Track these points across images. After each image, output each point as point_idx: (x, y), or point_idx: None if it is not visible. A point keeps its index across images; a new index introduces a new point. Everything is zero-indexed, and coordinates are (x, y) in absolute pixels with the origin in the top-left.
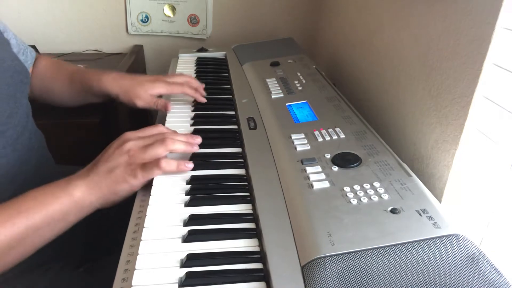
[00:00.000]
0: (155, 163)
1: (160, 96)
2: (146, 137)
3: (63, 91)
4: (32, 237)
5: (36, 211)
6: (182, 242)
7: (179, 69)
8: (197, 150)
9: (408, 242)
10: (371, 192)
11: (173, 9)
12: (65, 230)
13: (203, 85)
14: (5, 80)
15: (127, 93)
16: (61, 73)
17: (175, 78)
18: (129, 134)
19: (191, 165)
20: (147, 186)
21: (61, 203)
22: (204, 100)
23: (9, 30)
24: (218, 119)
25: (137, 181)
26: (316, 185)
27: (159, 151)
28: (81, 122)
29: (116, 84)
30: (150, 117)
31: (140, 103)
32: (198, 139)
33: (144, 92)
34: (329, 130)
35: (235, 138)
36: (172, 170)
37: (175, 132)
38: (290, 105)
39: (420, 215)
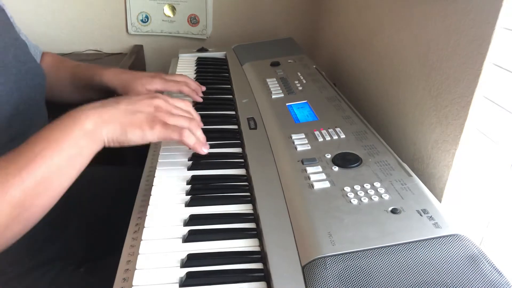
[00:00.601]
0: (178, 129)
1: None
2: (177, 107)
3: (65, 87)
4: (57, 177)
5: (52, 151)
6: (182, 242)
7: (179, 69)
8: (202, 153)
9: (409, 242)
10: (371, 192)
11: (173, 9)
12: (85, 166)
13: (204, 88)
14: (27, 82)
15: (125, 87)
16: (63, 69)
17: (174, 76)
18: (161, 95)
19: (206, 149)
20: (148, 186)
21: (73, 137)
22: (200, 100)
23: (21, 31)
24: (218, 119)
25: (152, 134)
26: (317, 185)
27: (184, 123)
28: None
29: (116, 78)
30: None
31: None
32: (207, 148)
33: (141, 86)
34: (330, 130)
35: (235, 138)
36: (190, 144)
37: (199, 123)
38: (290, 105)
39: (421, 215)
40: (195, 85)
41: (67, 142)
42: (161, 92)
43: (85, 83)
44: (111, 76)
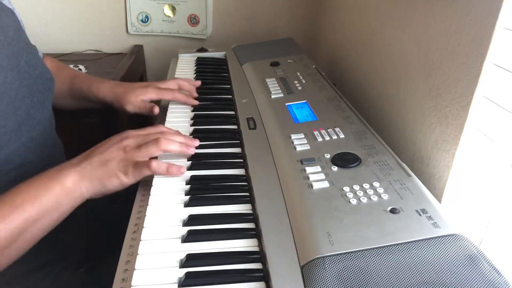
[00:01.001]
0: (146, 163)
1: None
2: (145, 136)
3: (62, 95)
4: (31, 229)
5: (30, 204)
6: (181, 242)
7: (179, 69)
8: (192, 152)
9: (408, 242)
10: (370, 192)
11: (173, 9)
12: (61, 220)
13: (198, 83)
14: (37, 87)
15: (119, 100)
16: (62, 78)
17: (167, 83)
18: (130, 132)
19: (183, 170)
20: (148, 186)
21: (53, 194)
22: (196, 103)
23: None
24: (218, 119)
25: (127, 179)
26: (316, 185)
27: (152, 150)
28: (81, 122)
29: (111, 91)
30: (150, 117)
31: (130, 108)
32: (196, 142)
33: (135, 97)
34: (329, 130)
35: (234, 138)
36: (162, 172)
37: (176, 132)
38: (289, 105)
39: (420, 215)
40: (189, 86)
41: (46, 198)
42: (156, 101)
43: (82, 95)
44: (107, 91)
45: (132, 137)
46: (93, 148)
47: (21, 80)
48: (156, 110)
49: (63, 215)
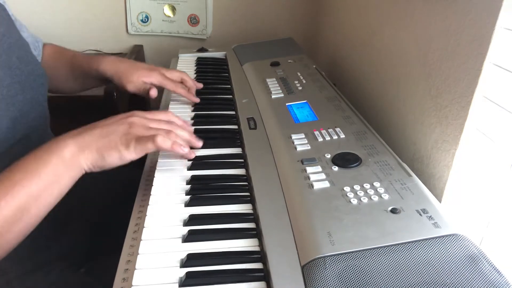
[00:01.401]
0: (151, 137)
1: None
2: (155, 120)
3: (64, 76)
4: (35, 205)
5: (30, 179)
6: (182, 242)
7: (179, 69)
8: (191, 157)
9: (408, 242)
10: (371, 192)
11: (173, 9)
12: (64, 194)
13: (201, 85)
14: (29, 83)
15: (121, 76)
16: (63, 59)
17: (171, 73)
18: (137, 112)
19: (187, 149)
20: (148, 185)
21: (52, 166)
22: (197, 100)
23: (23, 26)
24: (218, 119)
25: (128, 153)
26: (316, 185)
27: (160, 131)
28: (81, 121)
29: (113, 66)
30: (148, 102)
31: (131, 87)
32: (200, 143)
33: (137, 77)
34: (329, 130)
35: (235, 138)
36: (167, 147)
37: (183, 124)
38: (290, 105)
39: (420, 215)
40: (191, 83)
41: (45, 171)
42: (158, 87)
43: (83, 71)
44: (108, 65)
45: (139, 115)
46: (95, 122)
47: (12, 76)
48: (154, 92)
49: (64, 189)
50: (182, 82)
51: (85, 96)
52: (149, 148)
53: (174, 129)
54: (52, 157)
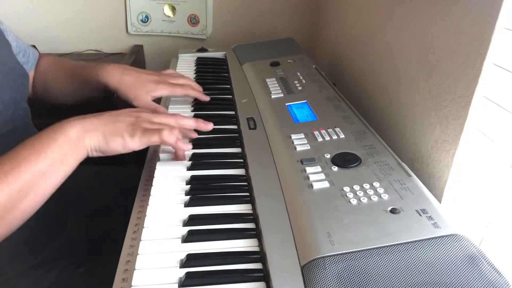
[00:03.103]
0: (157, 130)
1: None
2: (160, 117)
3: (65, 88)
4: (41, 183)
5: (37, 156)
6: (182, 242)
7: (179, 69)
8: (187, 149)
9: (408, 242)
10: (370, 192)
11: (173, 9)
12: (69, 174)
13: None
14: (8, 83)
15: (126, 92)
16: (63, 70)
17: (177, 79)
18: (145, 110)
19: (190, 146)
20: (148, 185)
21: (58, 145)
22: (208, 99)
23: (9, 31)
24: (218, 119)
25: (133, 142)
26: (316, 185)
27: (165, 126)
28: None
29: (116, 78)
30: None
31: (138, 104)
32: (210, 125)
33: (145, 93)
34: (329, 130)
35: (235, 138)
36: (171, 142)
37: (188, 117)
38: (290, 105)
39: (420, 215)
40: (197, 86)
41: (51, 149)
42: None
43: (84, 83)
44: (110, 76)
45: (146, 112)
46: (104, 112)
47: None
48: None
49: (69, 169)
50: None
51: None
52: (154, 140)
53: (178, 120)
54: (58, 137)
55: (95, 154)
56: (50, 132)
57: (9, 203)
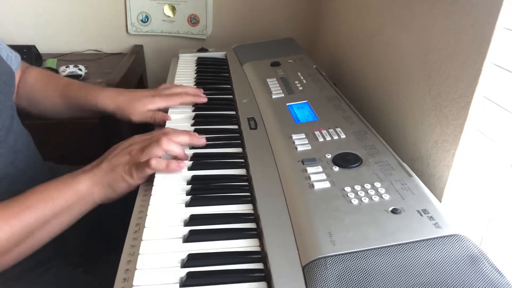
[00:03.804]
0: (146, 162)
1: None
2: (149, 139)
3: (54, 105)
4: (41, 230)
5: (43, 205)
6: (183, 242)
7: (179, 69)
8: (181, 167)
9: (409, 242)
10: (372, 192)
11: (173, 9)
12: (70, 225)
13: (201, 90)
14: None
15: (123, 111)
16: (53, 86)
17: (172, 89)
18: (136, 137)
19: (183, 164)
20: (148, 185)
21: (66, 197)
22: (205, 99)
23: None
24: (218, 119)
25: (133, 180)
26: (317, 185)
27: (154, 150)
28: (80, 122)
29: (112, 100)
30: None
31: (137, 118)
32: (203, 140)
33: (142, 107)
34: (330, 130)
35: (235, 138)
36: (162, 169)
37: (182, 132)
38: (290, 105)
39: (421, 215)
40: (194, 90)
41: (58, 201)
42: (163, 109)
43: (79, 103)
44: (108, 101)
45: (137, 141)
46: (103, 155)
47: None
48: (168, 117)
49: (73, 219)
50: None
51: None
52: (148, 172)
53: (166, 146)
54: (68, 189)
55: (104, 202)
56: (60, 183)
57: (8, 246)
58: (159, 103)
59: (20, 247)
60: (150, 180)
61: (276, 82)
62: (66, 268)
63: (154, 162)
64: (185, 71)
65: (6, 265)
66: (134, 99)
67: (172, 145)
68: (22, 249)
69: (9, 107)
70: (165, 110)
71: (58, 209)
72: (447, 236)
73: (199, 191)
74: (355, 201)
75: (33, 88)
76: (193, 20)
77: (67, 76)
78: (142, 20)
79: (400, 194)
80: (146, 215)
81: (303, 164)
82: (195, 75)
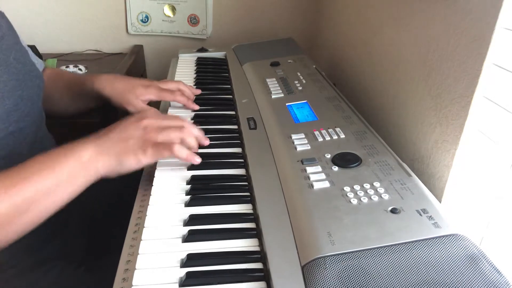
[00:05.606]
0: (168, 145)
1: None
2: (165, 120)
3: (62, 98)
4: (44, 201)
5: (44, 174)
6: (182, 242)
7: (179, 69)
8: (196, 163)
9: (408, 242)
10: (371, 192)
11: (173, 9)
12: (73, 197)
13: (199, 91)
14: (26, 83)
15: (118, 98)
16: (60, 80)
17: (167, 84)
18: (149, 113)
19: (199, 159)
20: (148, 185)
21: (68, 166)
22: (196, 107)
23: (24, 42)
24: (218, 119)
25: (145, 158)
26: (316, 185)
27: (173, 135)
28: (81, 122)
29: (109, 85)
30: None
31: (131, 108)
32: (207, 142)
33: (135, 98)
34: (329, 130)
35: (235, 138)
36: (182, 157)
37: (199, 130)
38: (290, 105)
39: (420, 215)
40: (189, 91)
41: (60, 169)
42: (156, 102)
43: (81, 92)
44: (104, 84)
45: (152, 117)
46: (111, 126)
47: (9, 74)
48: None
49: (77, 190)
50: (179, 91)
51: None
52: (165, 155)
53: (186, 136)
54: (69, 158)
55: (109, 175)
56: (63, 151)
57: (9, 216)
58: (151, 95)
59: (21, 219)
60: (149, 180)
61: (276, 82)
62: (68, 267)
63: (177, 148)
64: (185, 71)
65: (9, 238)
66: (129, 88)
67: (192, 138)
68: (24, 222)
69: (40, 108)
70: (158, 103)
71: (60, 179)
72: (447, 235)
73: (199, 191)
74: (355, 201)
75: (46, 85)
76: (193, 20)
77: None
78: (142, 20)
79: (400, 194)
80: (146, 215)
81: (302, 164)
82: (195, 75)
